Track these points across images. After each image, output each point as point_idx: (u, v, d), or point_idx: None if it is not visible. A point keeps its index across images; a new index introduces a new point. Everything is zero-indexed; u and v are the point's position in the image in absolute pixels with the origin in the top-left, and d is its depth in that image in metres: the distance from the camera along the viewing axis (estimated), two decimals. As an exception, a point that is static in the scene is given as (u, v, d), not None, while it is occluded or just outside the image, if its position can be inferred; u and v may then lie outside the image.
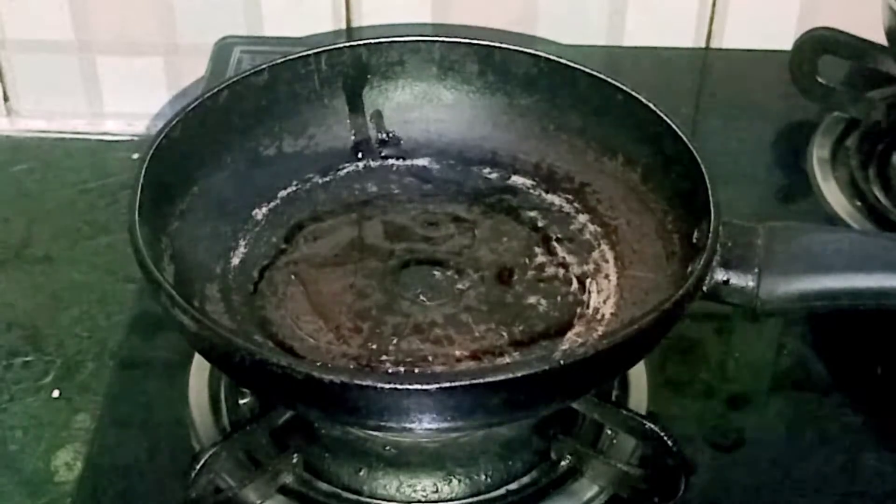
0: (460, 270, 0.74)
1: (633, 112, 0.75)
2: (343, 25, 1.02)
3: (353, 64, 0.79)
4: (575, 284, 0.74)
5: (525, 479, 0.71)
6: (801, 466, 0.73)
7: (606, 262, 0.75)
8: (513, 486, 0.70)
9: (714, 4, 1.02)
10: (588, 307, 0.73)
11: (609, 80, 0.76)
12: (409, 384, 0.60)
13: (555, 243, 0.77)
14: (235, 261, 0.75)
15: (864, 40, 0.92)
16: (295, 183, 0.79)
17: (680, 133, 0.72)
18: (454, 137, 0.81)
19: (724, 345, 0.80)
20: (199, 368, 0.75)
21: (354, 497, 0.69)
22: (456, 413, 0.61)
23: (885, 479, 0.73)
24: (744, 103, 1.00)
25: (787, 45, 0.94)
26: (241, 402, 0.73)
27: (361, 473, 0.70)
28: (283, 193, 0.79)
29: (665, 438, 0.68)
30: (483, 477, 0.70)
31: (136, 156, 0.72)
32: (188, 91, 1.03)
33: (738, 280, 0.68)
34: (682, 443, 0.68)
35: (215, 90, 0.75)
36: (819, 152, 0.93)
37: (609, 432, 0.72)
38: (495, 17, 1.01)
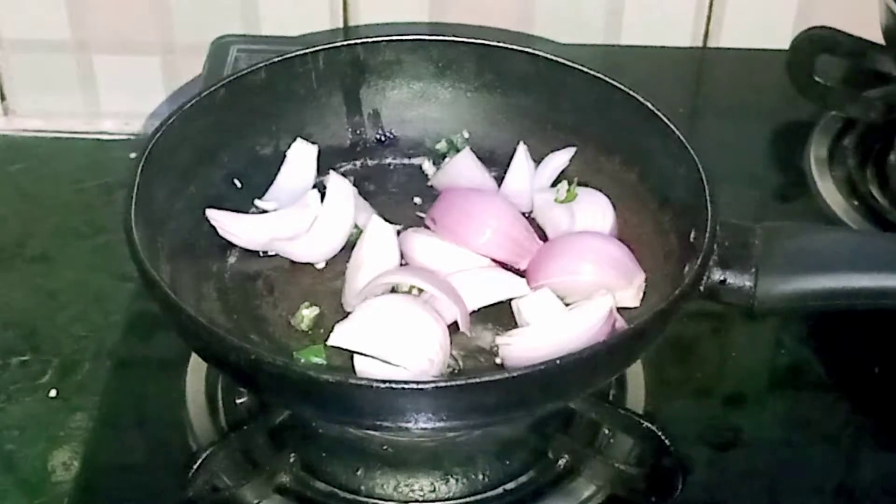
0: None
1: (630, 111, 0.74)
2: (340, 24, 1.02)
3: (350, 63, 0.79)
4: (572, 284, 0.74)
5: (523, 479, 0.70)
6: (798, 466, 0.73)
7: (604, 261, 0.75)
8: (510, 486, 0.70)
9: (711, 4, 1.02)
10: (585, 306, 0.73)
11: (607, 79, 0.76)
12: (406, 383, 0.60)
13: (552, 242, 0.76)
14: (232, 259, 0.75)
15: (862, 39, 0.92)
16: (292, 182, 0.79)
17: (677, 132, 0.72)
18: (452, 137, 0.81)
19: (722, 344, 0.80)
20: (197, 368, 0.75)
21: (352, 497, 0.69)
22: (452, 413, 0.61)
23: (883, 479, 0.73)
24: (741, 102, 1.00)
25: (785, 44, 0.94)
26: (239, 401, 0.73)
27: (359, 473, 0.70)
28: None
29: (662, 438, 0.68)
30: (480, 476, 0.70)
31: (132, 155, 0.71)
32: (185, 90, 1.03)
33: (736, 280, 0.67)
34: (679, 442, 0.68)
35: (212, 89, 0.75)
36: (816, 152, 0.93)
37: (606, 431, 0.72)
38: (493, 15, 1.00)
